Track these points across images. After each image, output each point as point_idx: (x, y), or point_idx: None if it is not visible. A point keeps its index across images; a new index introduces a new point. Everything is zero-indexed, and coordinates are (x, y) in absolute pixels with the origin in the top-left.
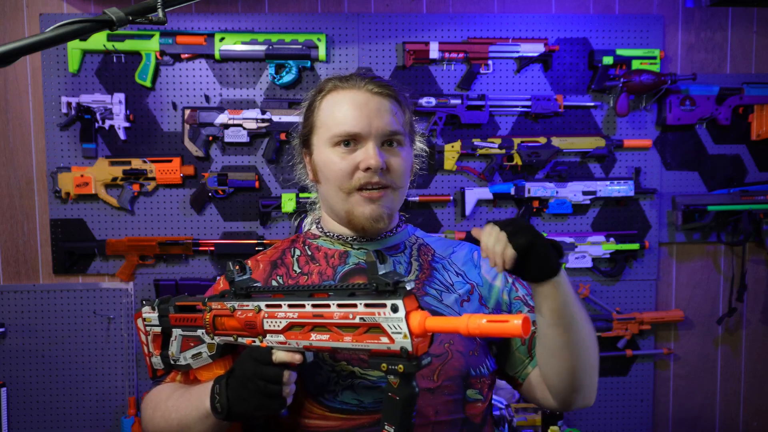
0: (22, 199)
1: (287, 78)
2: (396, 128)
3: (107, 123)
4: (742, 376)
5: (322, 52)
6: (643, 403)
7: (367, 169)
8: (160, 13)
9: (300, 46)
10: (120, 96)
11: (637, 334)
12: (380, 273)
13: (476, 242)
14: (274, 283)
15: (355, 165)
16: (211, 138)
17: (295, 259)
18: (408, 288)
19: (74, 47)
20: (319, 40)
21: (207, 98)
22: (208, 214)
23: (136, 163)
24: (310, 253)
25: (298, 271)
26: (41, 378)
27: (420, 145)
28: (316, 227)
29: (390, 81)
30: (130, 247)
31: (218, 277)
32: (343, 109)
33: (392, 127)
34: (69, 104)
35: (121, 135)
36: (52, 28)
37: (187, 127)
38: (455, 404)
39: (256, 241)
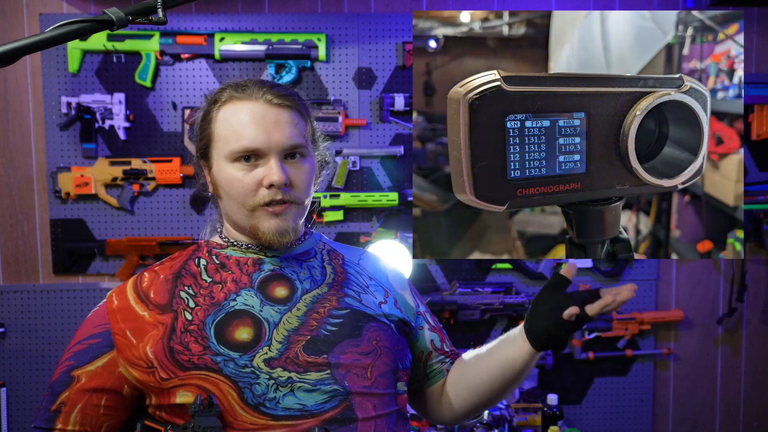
0: (22, 199)
1: (287, 78)
2: (297, 141)
3: (107, 123)
4: (742, 376)
5: (322, 52)
6: (643, 403)
7: (270, 185)
8: (160, 13)
9: (300, 46)
10: (120, 96)
11: (637, 334)
12: None
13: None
14: (182, 294)
15: (258, 181)
16: None
17: (202, 268)
18: None
19: (74, 47)
20: (319, 40)
21: None
22: (208, 214)
23: (136, 163)
24: (218, 261)
25: (209, 280)
26: (41, 378)
27: (325, 150)
28: (220, 237)
29: (289, 89)
30: (130, 247)
31: (110, 292)
32: (241, 123)
33: (293, 140)
34: (69, 104)
35: (121, 135)
36: (52, 28)
37: (187, 127)
38: (389, 398)
39: None
